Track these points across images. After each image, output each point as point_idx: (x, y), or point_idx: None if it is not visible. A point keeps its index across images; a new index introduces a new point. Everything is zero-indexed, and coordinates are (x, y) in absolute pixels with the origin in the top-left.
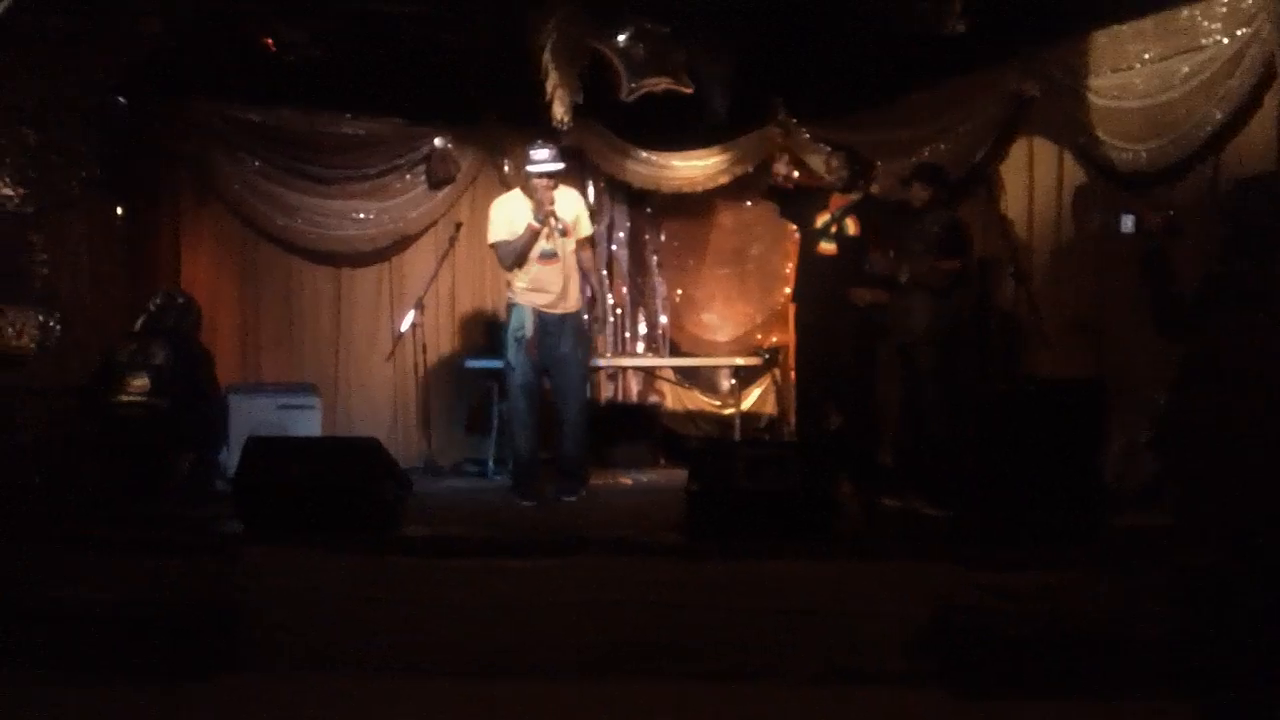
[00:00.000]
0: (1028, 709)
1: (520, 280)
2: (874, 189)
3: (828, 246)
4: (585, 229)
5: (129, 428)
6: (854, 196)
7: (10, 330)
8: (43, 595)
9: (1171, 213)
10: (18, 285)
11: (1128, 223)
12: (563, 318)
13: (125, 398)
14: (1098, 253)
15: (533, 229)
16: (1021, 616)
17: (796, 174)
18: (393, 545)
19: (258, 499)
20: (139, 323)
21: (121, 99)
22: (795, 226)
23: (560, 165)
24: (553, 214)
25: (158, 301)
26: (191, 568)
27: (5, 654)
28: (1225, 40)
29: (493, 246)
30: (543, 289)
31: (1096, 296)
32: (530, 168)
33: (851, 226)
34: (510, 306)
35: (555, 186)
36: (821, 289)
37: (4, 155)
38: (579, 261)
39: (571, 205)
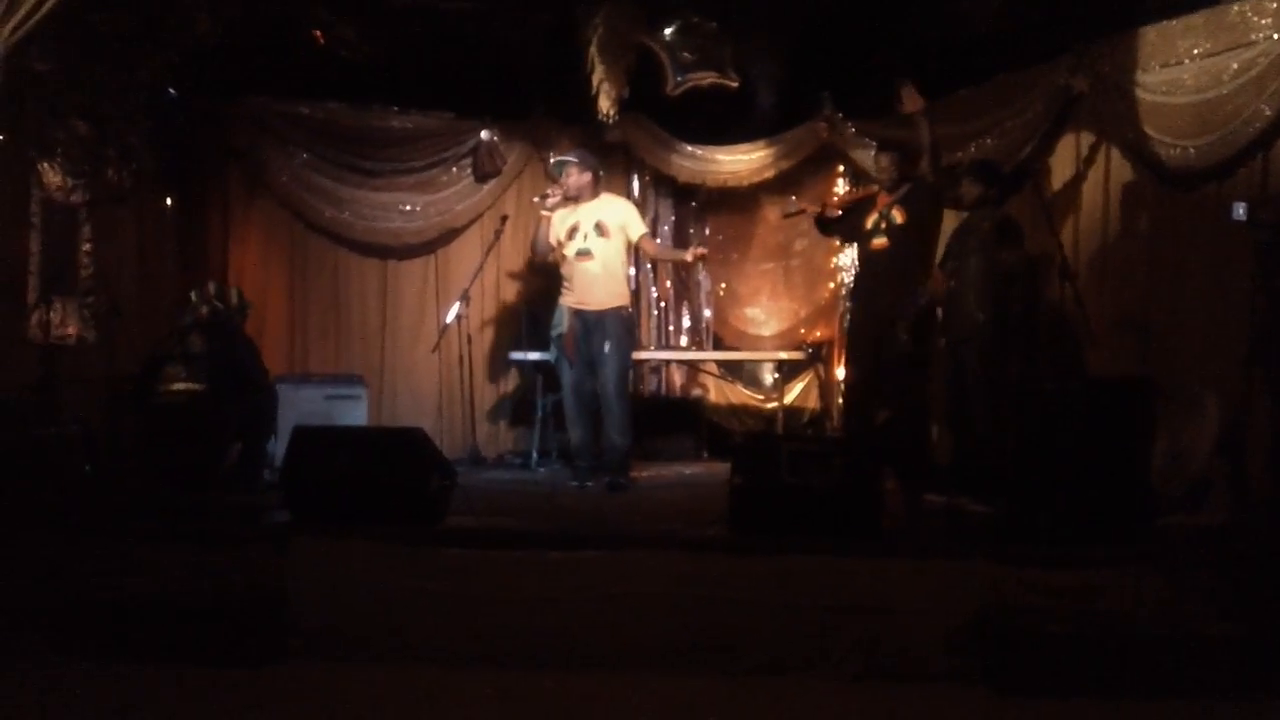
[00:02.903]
0: (1071, 708)
1: (563, 278)
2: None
3: (879, 241)
4: (636, 229)
5: (170, 417)
6: (902, 192)
7: (59, 320)
8: (92, 585)
9: None
10: (68, 276)
11: (1239, 210)
12: (600, 315)
13: (163, 387)
14: (1146, 250)
15: (543, 214)
16: (1066, 615)
17: (838, 196)
18: (438, 536)
19: (304, 489)
20: (185, 317)
21: (173, 92)
22: (854, 242)
23: (573, 159)
24: (549, 195)
25: (196, 297)
26: (239, 557)
27: (55, 642)
28: (1276, 36)
29: None
30: (574, 286)
31: (1144, 295)
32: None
33: (899, 216)
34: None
35: (585, 185)
36: (875, 282)
37: (57, 147)
38: (646, 256)
39: (618, 211)
